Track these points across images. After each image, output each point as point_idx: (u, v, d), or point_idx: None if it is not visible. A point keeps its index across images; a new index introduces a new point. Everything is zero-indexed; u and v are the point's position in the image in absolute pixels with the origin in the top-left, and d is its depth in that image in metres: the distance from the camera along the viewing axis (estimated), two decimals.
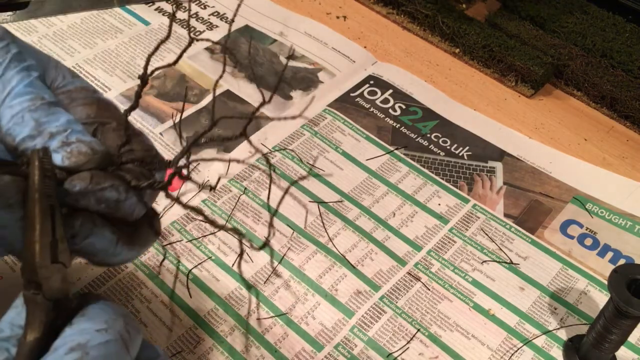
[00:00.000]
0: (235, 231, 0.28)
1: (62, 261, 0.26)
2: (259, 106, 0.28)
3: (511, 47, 0.60)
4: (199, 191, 0.48)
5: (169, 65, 0.29)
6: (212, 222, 0.29)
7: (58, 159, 0.27)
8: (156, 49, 0.28)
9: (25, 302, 0.26)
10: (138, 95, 0.28)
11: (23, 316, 0.26)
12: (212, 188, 0.31)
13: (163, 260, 0.36)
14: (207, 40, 0.29)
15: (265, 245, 0.27)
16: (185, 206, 0.30)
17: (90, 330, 0.25)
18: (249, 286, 0.29)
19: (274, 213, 0.27)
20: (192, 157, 0.31)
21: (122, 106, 0.56)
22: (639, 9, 0.65)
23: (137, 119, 0.54)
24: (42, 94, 0.28)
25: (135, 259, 0.32)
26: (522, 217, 0.50)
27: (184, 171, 0.30)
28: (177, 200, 0.30)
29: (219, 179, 0.32)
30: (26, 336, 0.25)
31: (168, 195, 0.30)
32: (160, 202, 0.48)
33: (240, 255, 0.29)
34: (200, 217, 0.29)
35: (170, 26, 0.29)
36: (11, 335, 0.26)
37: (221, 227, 0.29)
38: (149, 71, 0.28)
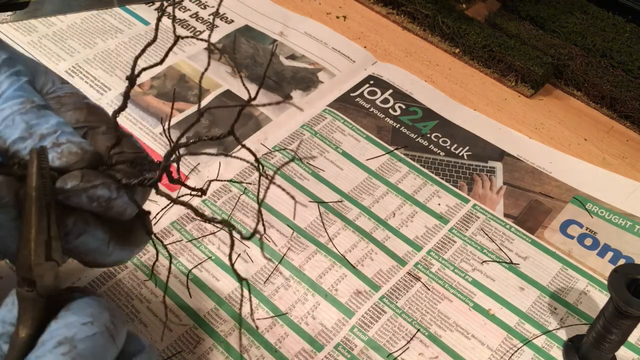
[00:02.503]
0: (225, 223, 0.29)
1: (55, 259, 0.26)
2: (245, 103, 0.28)
3: (511, 47, 0.60)
4: (192, 196, 0.48)
5: (155, 65, 0.29)
6: (202, 215, 0.29)
7: (49, 159, 0.27)
8: (143, 50, 0.28)
9: (19, 299, 0.26)
10: (126, 96, 0.28)
11: (14, 314, 0.26)
12: (203, 192, 0.31)
13: (156, 261, 0.36)
14: (193, 36, 0.29)
15: (253, 234, 0.27)
16: (176, 201, 0.30)
17: (76, 324, 0.26)
18: (241, 279, 0.29)
19: (261, 202, 0.27)
20: (186, 158, 0.31)
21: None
22: (639, 9, 0.65)
23: (136, 118, 0.54)
24: (32, 97, 0.28)
25: (128, 260, 0.32)
26: (522, 217, 0.50)
27: (175, 172, 0.30)
28: (168, 196, 0.30)
29: (209, 184, 0.32)
30: (19, 332, 0.25)
31: (158, 192, 0.30)
32: (160, 202, 0.48)
33: (232, 247, 0.29)
34: (191, 211, 0.29)
35: (156, 29, 0.29)
36: (2, 332, 0.26)
37: (209, 220, 0.29)
38: (136, 72, 0.28)
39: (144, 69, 0.29)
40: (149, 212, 0.32)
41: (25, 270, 0.26)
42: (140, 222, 0.31)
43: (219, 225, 0.29)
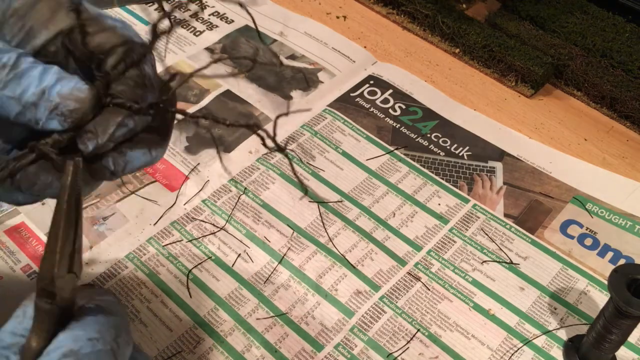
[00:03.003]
0: (249, 125, 0.28)
1: (75, 271, 0.27)
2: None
3: (511, 47, 0.60)
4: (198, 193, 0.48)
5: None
6: (217, 119, 0.28)
7: (56, 125, 0.26)
8: None
9: (36, 309, 0.26)
10: None
11: (24, 325, 0.26)
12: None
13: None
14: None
15: (284, 149, 0.28)
16: (192, 116, 0.28)
17: (83, 338, 0.26)
18: (283, 149, 0.29)
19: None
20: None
21: None
22: (639, 9, 0.65)
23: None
24: (1, 58, 0.26)
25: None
26: (522, 217, 0.50)
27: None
28: (183, 112, 0.28)
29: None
30: (31, 343, 0.26)
31: (177, 111, 0.29)
32: (161, 202, 0.48)
33: (264, 141, 0.28)
34: (207, 120, 0.28)
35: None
36: (12, 343, 0.26)
37: (228, 124, 0.28)
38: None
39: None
40: (174, 111, 0.30)
41: (48, 282, 0.26)
42: (164, 116, 0.30)
43: (241, 126, 0.28)
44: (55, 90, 0.26)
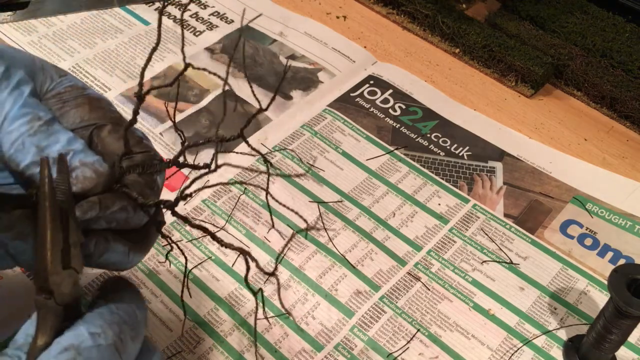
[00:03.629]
0: (241, 250, 0.29)
1: (74, 266, 0.27)
2: (257, 112, 0.29)
3: (511, 47, 0.60)
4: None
5: (166, 86, 0.30)
6: (220, 241, 0.30)
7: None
8: (148, 60, 0.28)
9: (37, 306, 0.26)
10: (136, 112, 0.29)
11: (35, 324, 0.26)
12: (208, 167, 0.31)
13: (167, 254, 0.37)
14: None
15: (273, 274, 0.30)
16: (193, 225, 0.30)
17: (85, 333, 0.26)
18: (255, 292, 0.30)
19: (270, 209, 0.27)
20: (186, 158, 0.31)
21: (121, 106, 0.56)
22: (639, 9, 0.65)
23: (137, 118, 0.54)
24: (38, 112, 0.28)
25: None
26: (522, 217, 0.50)
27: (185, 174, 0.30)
28: (185, 219, 0.30)
29: (214, 170, 0.32)
30: (37, 340, 0.26)
31: (174, 214, 0.30)
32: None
33: (247, 271, 0.30)
34: (209, 235, 0.30)
35: (158, 31, 0.29)
36: (24, 343, 0.27)
37: (226, 245, 0.30)
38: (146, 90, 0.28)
39: (153, 88, 0.29)
40: (161, 218, 0.32)
41: (42, 280, 0.26)
42: (151, 224, 0.31)
43: (235, 251, 0.30)
44: (80, 156, 0.28)
